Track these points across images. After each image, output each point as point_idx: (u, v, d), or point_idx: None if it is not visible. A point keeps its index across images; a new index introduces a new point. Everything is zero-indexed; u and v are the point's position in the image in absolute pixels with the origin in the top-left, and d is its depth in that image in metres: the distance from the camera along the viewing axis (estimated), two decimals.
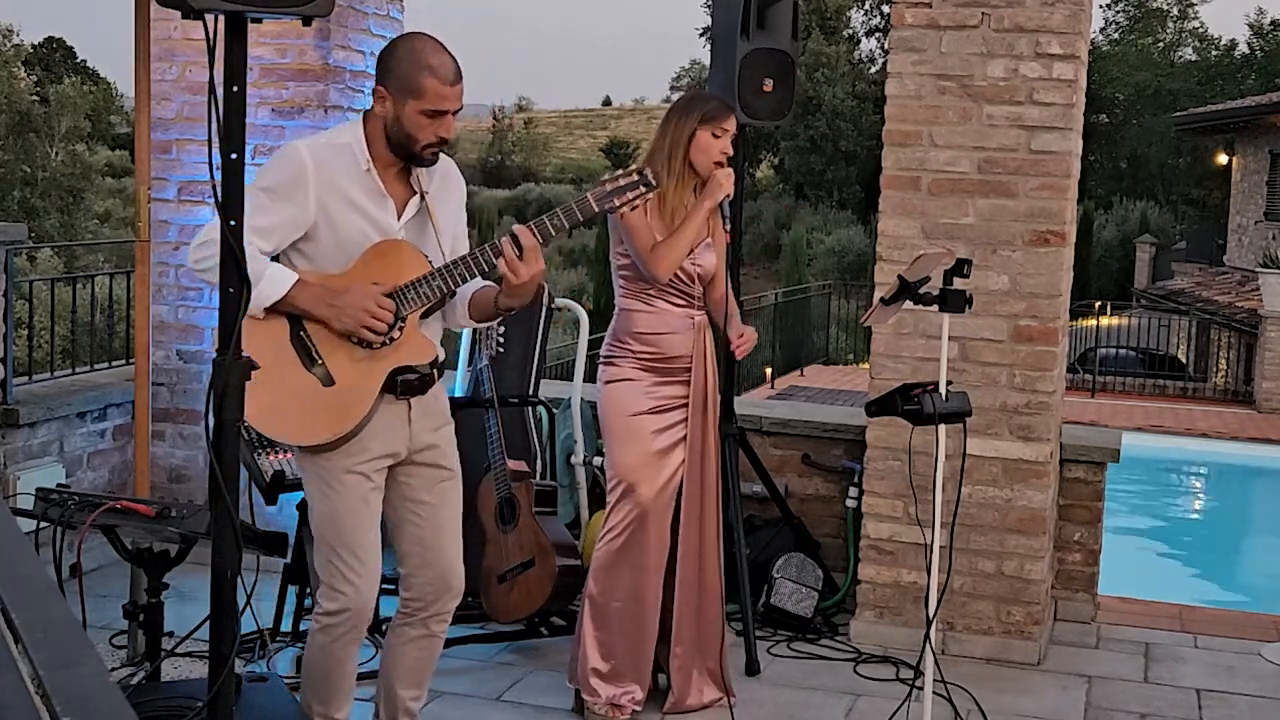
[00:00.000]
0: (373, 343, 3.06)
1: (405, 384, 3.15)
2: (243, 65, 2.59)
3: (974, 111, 4.64)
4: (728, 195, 4.02)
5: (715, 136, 3.98)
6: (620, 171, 3.20)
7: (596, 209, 3.12)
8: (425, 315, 3.15)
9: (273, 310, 3.03)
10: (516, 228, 3.07)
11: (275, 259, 3.13)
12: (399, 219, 3.15)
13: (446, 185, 3.28)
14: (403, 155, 3.11)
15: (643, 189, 3.15)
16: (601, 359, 4.10)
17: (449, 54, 3.07)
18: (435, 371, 3.24)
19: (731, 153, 4.05)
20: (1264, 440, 14.44)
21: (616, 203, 3.13)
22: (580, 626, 4.08)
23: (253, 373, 2.97)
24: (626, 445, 4.00)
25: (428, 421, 3.25)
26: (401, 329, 3.08)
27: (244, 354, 2.61)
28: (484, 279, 3.20)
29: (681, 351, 4.04)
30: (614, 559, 4.02)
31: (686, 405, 4.05)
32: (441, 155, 3.27)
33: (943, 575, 4.12)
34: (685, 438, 4.04)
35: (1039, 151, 4.60)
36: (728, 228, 4.11)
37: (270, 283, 3.00)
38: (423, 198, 3.17)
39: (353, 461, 3.13)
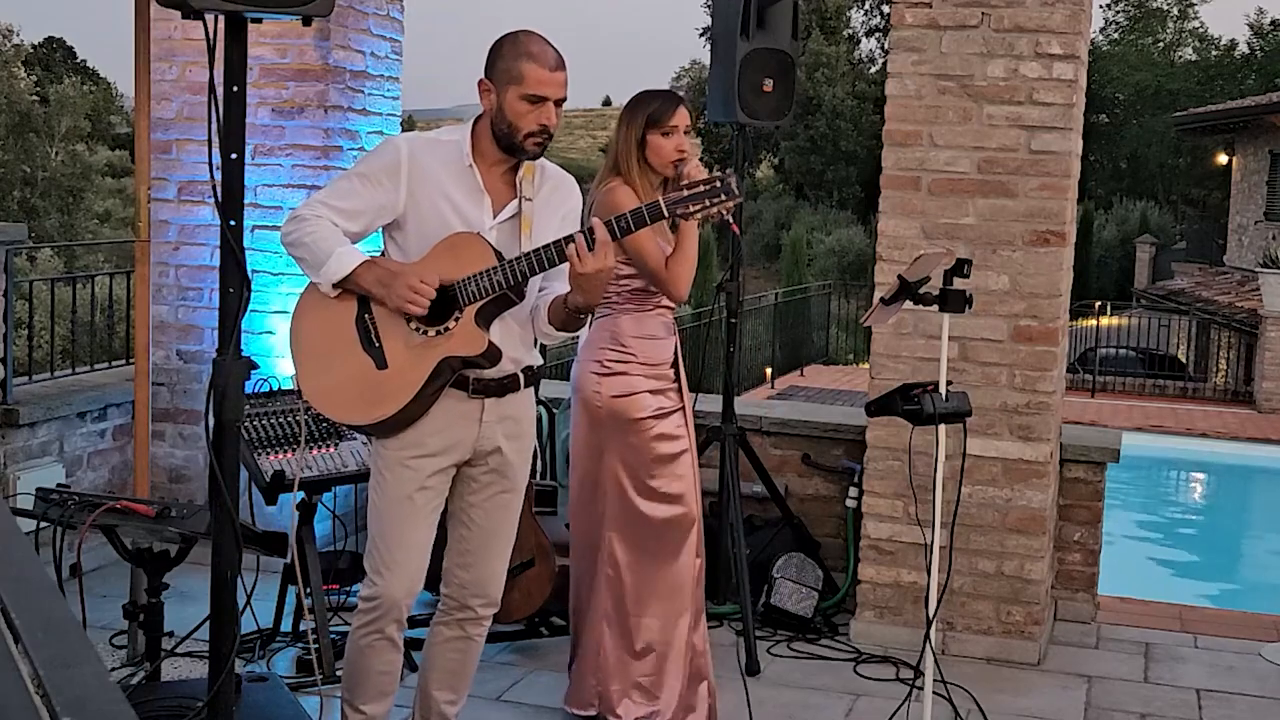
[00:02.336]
0: (423, 326, 3.06)
1: (478, 383, 3.15)
2: (243, 65, 2.59)
3: (974, 111, 4.64)
4: None
5: (665, 135, 3.85)
6: (702, 179, 2.99)
7: (666, 214, 2.99)
8: (490, 311, 3.08)
9: (345, 292, 3.09)
10: (593, 220, 3.00)
11: (383, 252, 3.22)
12: (494, 217, 3.14)
13: (555, 195, 3.26)
14: (506, 147, 3.10)
15: (723, 197, 2.97)
16: (600, 367, 3.91)
17: (552, 46, 3.10)
18: (521, 376, 3.23)
19: (687, 148, 3.89)
20: (1264, 440, 14.45)
21: (692, 208, 2.97)
22: (599, 648, 3.95)
23: (315, 351, 3.09)
24: (639, 452, 3.89)
25: (503, 427, 3.23)
26: (458, 319, 3.06)
27: (243, 354, 2.62)
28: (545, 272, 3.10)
29: (665, 357, 3.98)
30: (629, 569, 3.95)
31: (679, 410, 3.98)
32: (559, 170, 3.28)
33: (943, 575, 4.12)
34: (686, 447, 4.00)
35: (1039, 151, 4.60)
36: (730, 218, 4.02)
37: (339, 260, 3.05)
38: (521, 202, 3.15)
39: (406, 454, 3.15)
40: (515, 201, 3.16)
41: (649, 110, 3.89)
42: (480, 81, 3.12)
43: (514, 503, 3.34)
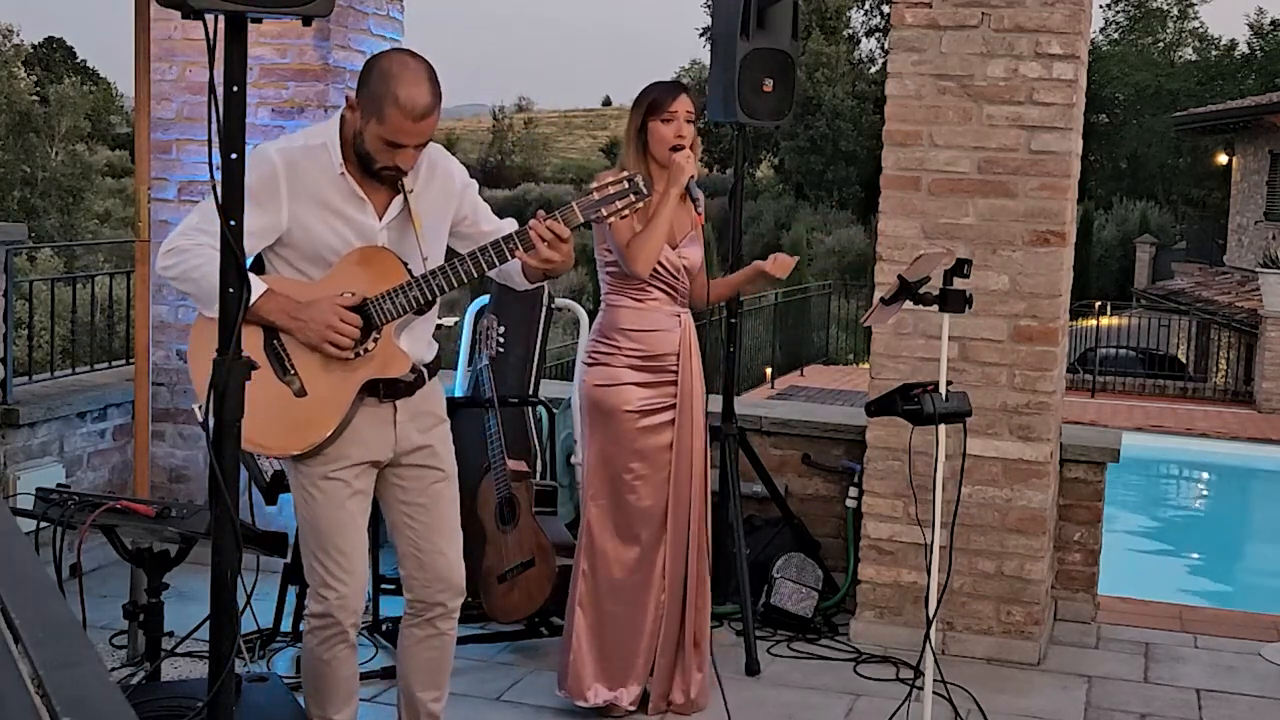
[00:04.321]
0: (343, 355, 3.01)
1: (389, 386, 3.12)
2: (243, 65, 2.59)
3: (974, 111, 4.64)
4: (692, 176, 3.93)
5: (665, 122, 3.92)
6: (610, 179, 3.09)
7: (581, 218, 3.04)
8: (402, 323, 3.08)
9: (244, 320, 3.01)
10: (531, 227, 3.01)
11: (260, 265, 3.11)
12: (380, 219, 3.09)
13: (434, 175, 3.19)
14: (362, 168, 3.04)
15: (632, 197, 3.05)
16: (587, 357, 4.06)
17: (427, 84, 2.94)
18: (425, 372, 3.21)
19: (688, 135, 3.96)
20: (1264, 440, 14.44)
21: (604, 212, 3.04)
22: (572, 632, 4.07)
23: None
24: (619, 444, 3.99)
25: (417, 423, 3.21)
26: (377, 340, 3.03)
27: (244, 354, 2.61)
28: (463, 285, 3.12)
29: (668, 349, 4.01)
30: (602, 559, 4.03)
31: (674, 406, 4.02)
32: (430, 146, 3.18)
33: (943, 575, 4.12)
34: (672, 441, 4.02)
35: (1039, 151, 4.60)
36: (699, 210, 4.00)
37: None
38: (406, 197, 3.10)
39: (331, 468, 3.12)
40: (399, 197, 3.10)
41: (649, 98, 3.98)
42: (347, 96, 3.03)
43: (448, 490, 3.31)
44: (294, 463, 3.15)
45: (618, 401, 3.98)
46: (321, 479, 3.12)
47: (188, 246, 2.96)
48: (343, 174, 3.05)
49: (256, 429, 2.98)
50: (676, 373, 4.03)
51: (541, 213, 3.05)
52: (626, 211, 3.07)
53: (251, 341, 3.00)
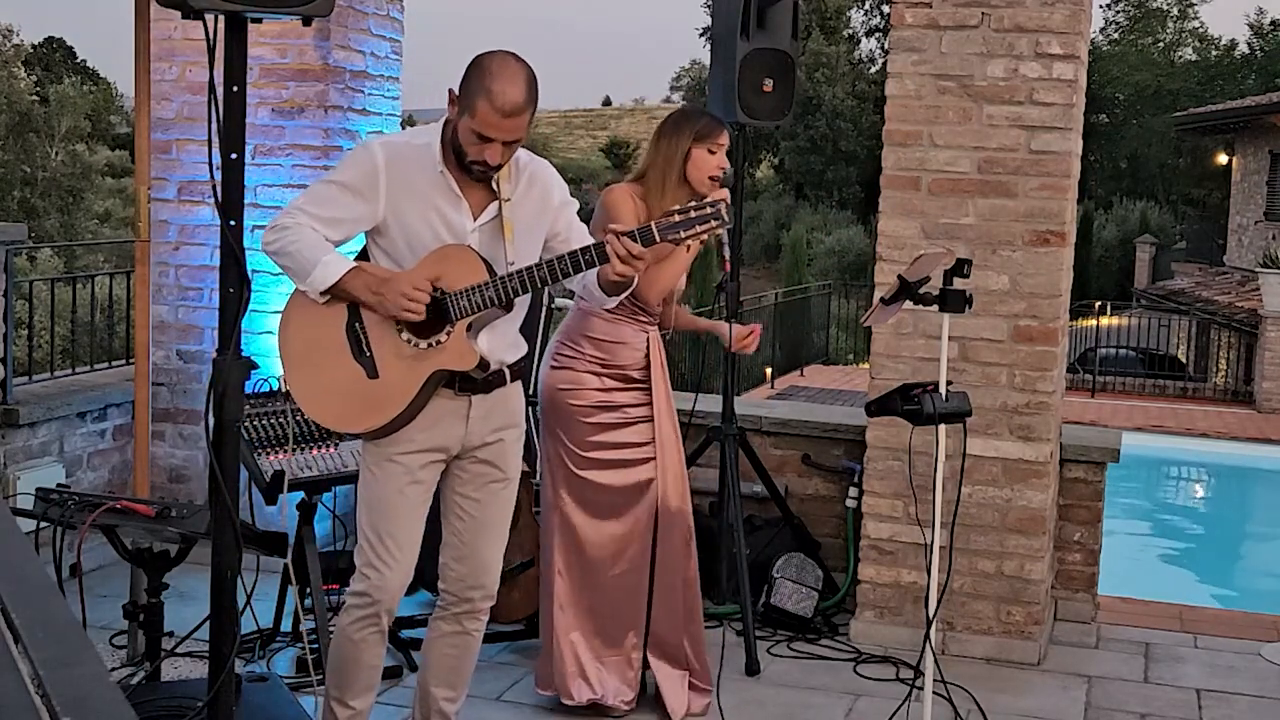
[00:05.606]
0: (414, 338, 3.08)
1: (466, 381, 3.18)
2: (243, 65, 2.59)
3: (974, 111, 4.64)
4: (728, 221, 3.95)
5: (711, 153, 3.98)
6: (692, 203, 3.06)
7: (659, 239, 3.04)
8: (480, 322, 3.13)
9: (333, 298, 3.09)
10: (609, 242, 3.04)
11: (365, 255, 3.22)
12: (475, 220, 3.15)
13: (534, 188, 3.26)
14: (458, 163, 3.11)
15: (714, 223, 3.03)
16: (552, 359, 4.05)
17: (523, 84, 3.02)
18: (507, 373, 3.27)
19: (728, 166, 4.03)
20: (1264, 440, 14.44)
21: (682, 235, 3.03)
22: (553, 633, 4.06)
23: (306, 356, 3.11)
24: (580, 445, 3.98)
25: (490, 421, 3.26)
26: (450, 333, 3.09)
27: (243, 354, 2.62)
28: (538, 289, 3.17)
29: (631, 361, 4.03)
30: (576, 562, 4.03)
31: (635, 406, 4.02)
32: (532, 158, 3.29)
33: (943, 575, 4.12)
34: (649, 443, 4.01)
35: (1039, 151, 4.60)
36: (727, 254, 4.00)
37: (325, 268, 3.06)
38: (501, 205, 3.17)
39: (394, 451, 3.18)
40: (495, 204, 3.17)
41: (698, 125, 4.01)
42: (450, 90, 3.10)
43: (505, 492, 3.35)
44: (363, 442, 3.24)
45: (578, 403, 3.99)
46: (385, 460, 3.18)
47: (289, 224, 3.08)
48: (442, 172, 3.13)
49: (326, 405, 3.15)
50: (641, 382, 4.04)
51: (617, 228, 3.07)
52: (706, 236, 3.06)
53: (336, 321, 3.12)
